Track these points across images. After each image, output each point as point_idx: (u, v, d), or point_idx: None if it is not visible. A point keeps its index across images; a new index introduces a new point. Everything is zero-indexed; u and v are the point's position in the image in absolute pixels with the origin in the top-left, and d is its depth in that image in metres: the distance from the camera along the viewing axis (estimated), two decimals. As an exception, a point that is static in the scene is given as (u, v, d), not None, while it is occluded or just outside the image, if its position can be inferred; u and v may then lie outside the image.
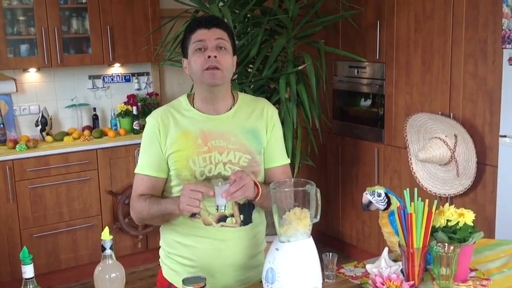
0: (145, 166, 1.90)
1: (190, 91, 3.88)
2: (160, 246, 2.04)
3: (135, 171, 1.92)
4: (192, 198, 1.68)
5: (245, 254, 1.93)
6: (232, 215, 1.89)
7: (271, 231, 4.19)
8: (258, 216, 1.96)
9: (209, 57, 1.80)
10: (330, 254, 1.83)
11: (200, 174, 1.84)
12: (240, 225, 1.90)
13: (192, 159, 1.84)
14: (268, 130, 1.95)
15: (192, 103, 1.93)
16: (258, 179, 1.90)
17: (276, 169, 1.97)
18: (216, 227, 1.88)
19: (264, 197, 1.82)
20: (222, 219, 1.88)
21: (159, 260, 2.05)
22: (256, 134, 1.92)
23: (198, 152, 1.85)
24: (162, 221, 1.92)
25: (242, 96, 1.98)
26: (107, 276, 1.50)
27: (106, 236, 1.50)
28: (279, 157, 1.99)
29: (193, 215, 1.87)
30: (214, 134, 1.87)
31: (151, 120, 1.91)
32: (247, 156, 1.89)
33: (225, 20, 3.45)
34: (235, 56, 1.93)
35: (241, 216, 1.90)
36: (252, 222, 1.93)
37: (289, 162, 2.04)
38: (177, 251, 1.94)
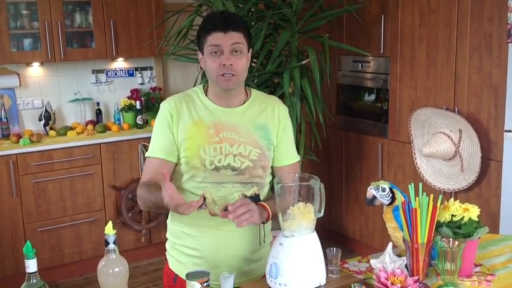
0: (156, 149, 1.91)
1: (194, 85, 3.89)
2: (167, 239, 2.05)
3: (146, 155, 1.95)
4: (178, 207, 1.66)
5: (250, 246, 1.94)
6: None
7: (275, 225, 4.19)
8: None
9: (224, 65, 1.81)
10: (334, 249, 1.82)
11: (210, 163, 1.86)
12: None
13: (202, 148, 1.86)
14: (280, 130, 1.97)
15: (206, 94, 1.95)
16: (266, 173, 1.95)
17: (286, 167, 1.99)
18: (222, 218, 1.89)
19: (274, 217, 1.83)
20: None
21: (166, 252, 2.06)
22: (266, 131, 1.94)
23: (210, 141, 1.87)
24: (159, 210, 1.92)
25: (255, 93, 2.01)
26: (111, 271, 1.50)
27: (109, 230, 1.50)
28: (289, 156, 2.01)
29: (199, 206, 1.87)
30: (227, 126, 1.90)
31: (165, 105, 1.93)
32: (258, 151, 1.91)
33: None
34: (251, 49, 1.94)
35: None
36: None
37: (299, 158, 2.06)
38: (183, 242, 1.95)
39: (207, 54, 1.85)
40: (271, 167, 2.00)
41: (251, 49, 1.94)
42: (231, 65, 1.82)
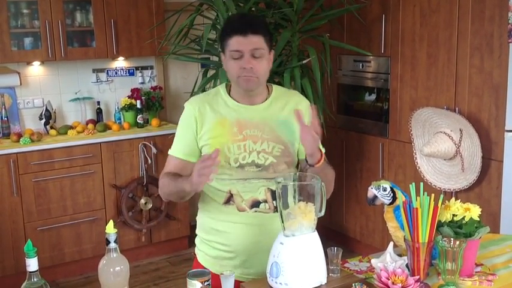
0: (178, 149, 1.97)
1: (194, 85, 3.90)
2: (196, 235, 2.10)
3: (169, 152, 2.00)
4: (202, 169, 1.69)
5: None
6: (265, 201, 1.93)
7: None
8: None
9: (244, 68, 1.85)
10: (335, 248, 1.82)
11: (234, 161, 1.90)
12: (274, 211, 1.94)
13: (227, 146, 1.90)
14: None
15: (229, 92, 1.99)
16: (290, 169, 1.98)
17: None
18: (250, 213, 1.93)
19: (322, 166, 1.90)
20: (256, 204, 1.93)
21: (195, 248, 2.10)
22: (289, 126, 1.95)
23: (234, 139, 1.91)
24: (179, 199, 1.96)
25: (276, 89, 2.04)
26: (111, 270, 1.50)
27: (110, 229, 1.50)
28: None
29: (227, 202, 1.93)
30: (250, 123, 1.93)
31: (189, 107, 1.97)
32: (281, 147, 1.95)
33: (218, 16, 3.43)
34: (273, 51, 1.95)
35: (274, 202, 1.93)
36: None
37: (324, 151, 2.06)
38: (213, 237, 1.99)
39: (228, 58, 1.89)
40: (299, 160, 2.03)
41: (273, 50, 1.96)
42: (251, 68, 1.85)
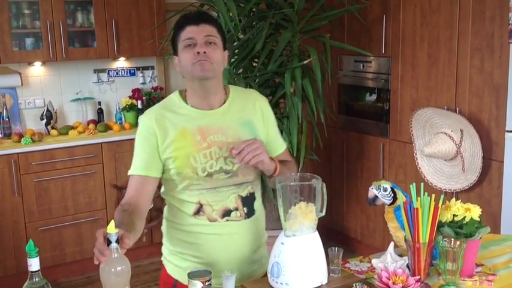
0: (137, 166, 1.86)
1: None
2: (162, 244, 2.04)
3: (128, 173, 1.89)
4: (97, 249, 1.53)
5: (250, 247, 1.94)
6: (236, 209, 1.88)
7: (277, 225, 4.17)
8: (259, 207, 1.96)
9: (198, 53, 1.78)
10: (336, 248, 1.82)
11: (202, 170, 1.83)
12: (245, 218, 1.90)
13: (192, 156, 1.82)
14: (265, 122, 1.95)
15: (184, 100, 1.90)
16: (257, 170, 1.91)
17: (279, 156, 1.98)
18: (222, 222, 1.87)
19: (280, 173, 1.84)
20: (227, 213, 1.87)
21: (162, 258, 2.04)
22: (252, 126, 1.90)
23: (198, 148, 1.83)
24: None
25: (233, 89, 1.97)
26: (113, 270, 1.50)
27: (112, 229, 1.50)
28: (279, 145, 2.02)
29: (196, 213, 1.86)
30: (212, 129, 1.85)
31: (145, 120, 1.88)
32: None
33: (219, 16, 3.43)
34: (227, 51, 1.91)
35: (245, 208, 1.90)
36: (254, 214, 1.93)
37: (286, 145, 2.06)
38: (183, 249, 1.93)
39: (181, 50, 1.82)
40: None
41: (227, 51, 1.90)
42: (204, 52, 1.78)
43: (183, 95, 1.92)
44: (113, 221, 1.52)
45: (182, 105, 1.89)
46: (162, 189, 1.97)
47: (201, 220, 1.87)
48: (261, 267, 1.96)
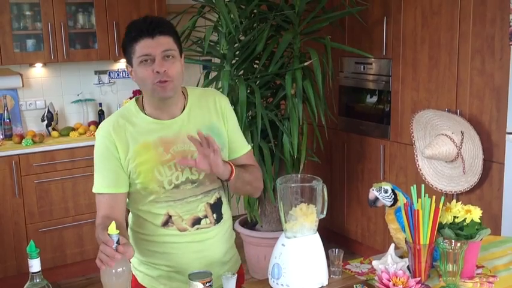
0: (103, 184, 1.79)
1: (197, 86, 3.90)
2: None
3: (93, 191, 1.81)
4: (100, 251, 1.51)
5: (221, 250, 1.92)
6: (205, 216, 1.85)
7: (277, 227, 4.19)
8: (226, 210, 1.94)
9: (158, 72, 1.69)
10: (336, 250, 1.83)
11: (168, 183, 1.78)
12: (214, 224, 1.87)
13: (157, 169, 1.76)
14: (225, 122, 1.88)
15: (142, 109, 1.82)
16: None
17: (241, 158, 1.92)
18: (192, 231, 1.83)
19: (237, 177, 1.76)
20: (197, 222, 1.84)
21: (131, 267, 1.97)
22: (215, 130, 1.83)
23: (162, 161, 1.76)
24: None
25: (191, 92, 1.89)
26: (114, 271, 1.50)
27: (113, 230, 1.50)
28: (241, 146, 1.93)
29: (165, 224, 1.82)
30: (174, 139, 1.78)
31: (103, 134, 1.79)
32: None
33: (220, 18, 3.41)
34: (183, 54, 1.83)
35: (214, 215, 1.87)
36: (223, 218, 1.91)
37: (251, 147, 1.98)
38: (153, 260, 1.88)
39: (137, 64, 1.72)
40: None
41: (183, 55, 1.82)
42: (164, 71, 1.70)
43: (140, 103, 1.84)
44: (113, 222, 1.52)
45: (140, 115, 1.81)
46: (127, 200, 1.88)
47: (170, 230, 1.82)
48: (232, 266, 1.97)
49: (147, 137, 1.77)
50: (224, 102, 1.90)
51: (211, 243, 1.88)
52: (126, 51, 1.75)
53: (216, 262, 1.90)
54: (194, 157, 1.72)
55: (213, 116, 1.86)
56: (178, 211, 1.81)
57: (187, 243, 1.84)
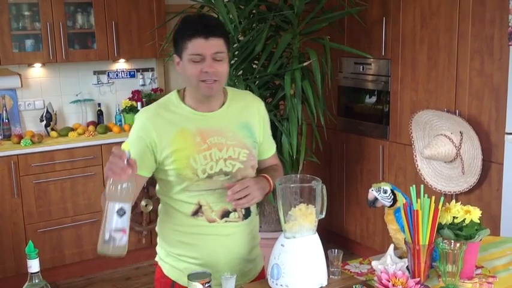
0: None
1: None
2: (157, 244, 2.02)
3: None
4: (113, 163, 1.57)
5: (247, 247, 1.96)
6: (235, 210, 1.90)
7: (276, 227, 4.19)
8: (254, 209, 1.99)
9: (206, 72, 1.77)
10: (336, 250, 1.83)
11: (202, 172, 1.83)
12: (243, 219, 1.92)
13: (192, 157, 1.82)
14: (261, 126, 1.97)
15: (183, 100, 1.89)
16: (254, 172, 1.95)
17: (269, 159, 2.05)
18: (220, 223, 1.88)
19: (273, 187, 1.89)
20: (226, 214, 1.88)
21: (156, 258, 2.02)
22: (250, 129, 1.92)
23: (198, 150, 1.83)
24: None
25: (231, 91, 1.98)
26: (120, 185, 1.52)
27: (126, 147, 1.55)
28: (270, 148, 2.05)
29: (195, 214, 1.87)
30: (212, 131, 1.86)
31: (142, 119, 1.86)
32: (246, 151, 1.90)
33: (219, 18, 3.43)
34: (229, 53, 1.88)
35: (243, 210, 1.91)
36: (250, 215, 1.96)
37: (275, 146, 2.09)
38: (180, 250, 1.92)
39: (186, 60, 1.79)
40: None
41: (229, 54, 1.88)
42: (213, 71, 1.77)
43: (181, 95, 1.91)
44: (127, 141, 1.58)
45: (180, 105, 1.88)
46: (157, 188, 1.96)
47: (199, 221, 1.87)
48: (256, 266, 2.01)
49: (185, 125, 1.84)
50: (261, 106, 2.00)
51: (238, 239, 1.92)
52: (177, 44, 1.82)
53: (241, 259, 1.94)
54: (229, 151, 1.85)
55: (249, 116, 1.94)
56: (209, 201, 1.86)
57: (214, 236, 1.88)
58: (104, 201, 1.59)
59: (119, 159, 1.54)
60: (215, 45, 1.77)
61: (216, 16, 3.69)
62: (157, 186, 1.97)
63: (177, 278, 1.93)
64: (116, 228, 1.53)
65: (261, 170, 2.00)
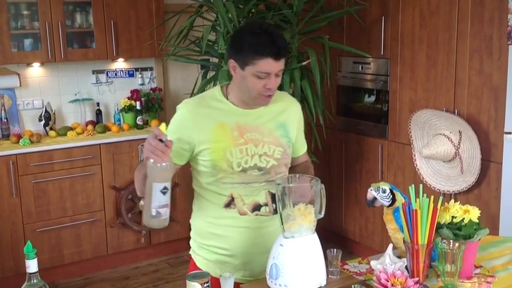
0: None
1: (194, 87, 3.91)
2: (190, 238, 2.10)
3: None
4: (153, 146, 1.60)
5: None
6: (266, 204, 1.95)
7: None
8: None
9: (269, 88, 1.86)
10: (335, 250, 1.83)
11: (237, 165, 1.90)
12: (273, 214, 1.96)
13: (229, 150, 1.89)
14: (296, 127, 2.06)
15: (225, 96, 1.96)
16: (287, 170, 2.04)
17: (301, 156, 2.13)
18: (251, 216, 1.94)
19: None
20: (257, 208, 1.94)
21: (190, 251, 2.09)
22: (286, 129, 2.00)
23: (235, 143, 1.90)
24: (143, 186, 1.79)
25: None
26: (159, 165, 1.60)
27: (164, 129, 1.62)
28: (302, 146, 2.14)
29: (227, 205, 1.93)
30: (250, 127, 1.93)
31: (184, 110, 1.93)
32: (280, 149, 1.97)
33: (218, 17, 3.43)
34: None
35: (274, 205, 1.95)
36: None
37: (305, 149, 2.17)
38: (212, 242, 1.99)
39: (250, 74, 1.84)
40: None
41: None
42: (274, 87, 1.88)
43: (224, 91, 1.98)
44: (163, 123, 1.65)
45: (223, 100, 1.95)
46: (193, 180, 2.03)
47: (231, 213, 1.94)
48: None
49: (225, 120, 1.92)
50: (298, 108, 2.11)
51: (267, 233, 1.95)
52: (240, 53, 1.85)
53: (268, 253, 1.93)
54: (265, 147, 1.93)
55: (286, 117, 2.02)
56: (241, 193, 1.92)
57: (244, 228, 1.94)
58: (140, 178, 1.77)
59: (159, 142, 1.60)
60: (281, 65, 1.86)
61: (216, 15, 3.69)
62: (193, 179, 2.03)
63: (209, 269, 1.98)
64: (160, 205, 1.65)
65: (294, 167, 2.09)
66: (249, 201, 1.93)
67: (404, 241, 1.76)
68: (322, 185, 1.73)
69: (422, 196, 1.76)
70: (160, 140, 1.60)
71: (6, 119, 4.20)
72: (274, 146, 1.95)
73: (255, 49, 1.82)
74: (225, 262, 1.98)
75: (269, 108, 1.98)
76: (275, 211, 1.95)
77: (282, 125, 1.99)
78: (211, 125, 1.90)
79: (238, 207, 1.93)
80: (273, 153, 1.94)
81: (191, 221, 2.09)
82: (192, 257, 2.08)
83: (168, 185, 1.65)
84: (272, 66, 1.83)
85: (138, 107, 4.55)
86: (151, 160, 1.60)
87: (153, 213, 1.65)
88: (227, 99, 1.95)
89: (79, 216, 4.14)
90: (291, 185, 1.75)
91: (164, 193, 1.64)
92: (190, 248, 2.10)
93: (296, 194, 1.77)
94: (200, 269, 2.01)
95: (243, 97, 1.93)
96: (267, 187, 1.94)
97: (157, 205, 1.64)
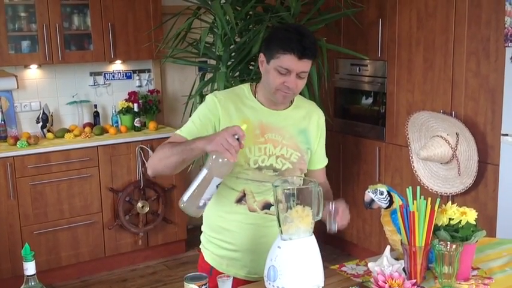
0: (187, 131, 1.93)
1: (192, 89, 3.91)
2: (202, 232, 2.12)
3: (176, 132, 1.97)
4: (229, 143, 1.66)
5: None
6: None
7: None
8: None
9: (288, 87, 1.86)
10: (333, 205, 1.94)
11: (254, 162, 1.93)
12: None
13: (248, 147, 1.91)
14: (318, 137, 2.07)
15: (254, 93, 1.99)
16: (302, 175, 2.02)
17: (318, 171, 2.13)
18: (261, 214, 1.96)
19: None
20: (267, 206, 1.96)
21: (200, 245, 2.12)
22: (307, 136, 2.02)
23: (255, 141, 1.93)
24: (179, 162, 1.84)
25: (298, 99, 2.07)
26: (220, 160, 1.67)
27: (245, 129, 1.71)
28: (321, 161, 2.14)
29: (239, 201, 1.95)
30: (272, 127, 1.96)
31: (213, 98, 1.96)
32: (298, 154, 1.98)
33: (216, 19, 3.44)
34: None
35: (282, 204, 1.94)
36: None
37: (327, 161, 2.17)
38: (221, 236, 2.02)
39: (272, 68, 1.87)
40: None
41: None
42: (293, 87, 1.88)
43: (253, 89, 2.01)
44: (245, 124, 1.74)
45: (251, 98, 1.98)
46: None
47: (241, 208, 1.96)
48: None
49: (250, 116, 1.95)
50: (322, 118, 2.12)
51: (274, 233, 1.92)
52: (269, 46, 1.89)
53: None
54: (283, 149, 1.95)
55: (309, 124, 2.04)
56: (253, 190, 1.95)
57: (253, 225, 1.97)
58: (176, 155, 1.79)
59: (236, 141, 1.66)
60: (304, 65, 1.85)
61: (213, 17, 3.69)
62: None
63: (215, 264, 2.03)
64: (209, 198, 1.74)
65: None
66: (260, 199, 1.95)
67: (401, 243, 1.77)
68: (320, 188, 1.73)
69: (420, 198, 1.77)
70: (237, 139, 1.65)
71: (4, 121, 4.20)
72: (292, 149, 1.97)
73: (282, 43, 1.85)
74: (232, 258, 2.00)
75: (294, 113, 2.01)
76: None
77: (303, 131, 2.01)
78: (236, 118, 1.92)
79: (249, 204, 1.95)
80: (290, 157, 1.97)
81: (204, 214, 2.09)
82: (202, 250, 2.11)
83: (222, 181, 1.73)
84: (294, 63, 1.83)
85: (135, 109, 4.55)
86: (214, 156, 1.67)
87: (201, 204, 1.73)
88: (255, 97, 1.98)
89: (76, 218, 4.13)
90: (288, 187, 1.75)
91: (217, 187, 1.73)
92: (201, 242, 2.14)
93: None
94: (207, 263, 2.05)
95: (267, 94, 1.95)
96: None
97: (207, 197, 1.72)
